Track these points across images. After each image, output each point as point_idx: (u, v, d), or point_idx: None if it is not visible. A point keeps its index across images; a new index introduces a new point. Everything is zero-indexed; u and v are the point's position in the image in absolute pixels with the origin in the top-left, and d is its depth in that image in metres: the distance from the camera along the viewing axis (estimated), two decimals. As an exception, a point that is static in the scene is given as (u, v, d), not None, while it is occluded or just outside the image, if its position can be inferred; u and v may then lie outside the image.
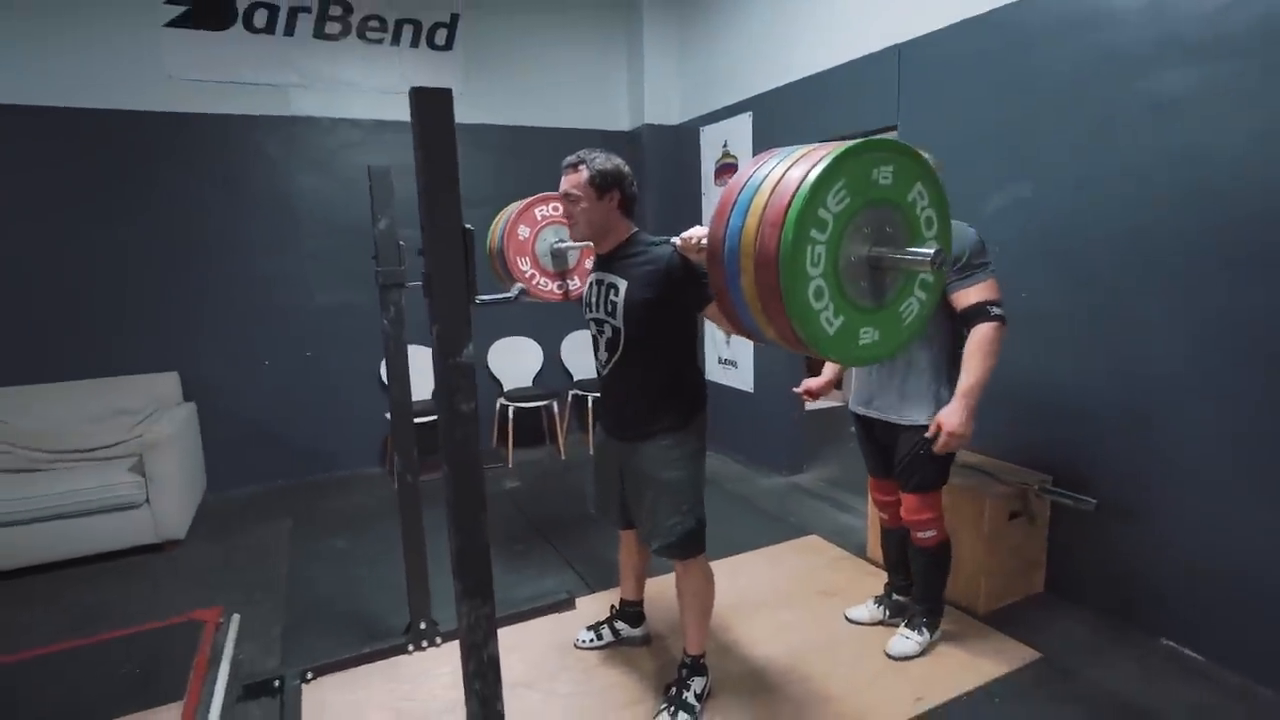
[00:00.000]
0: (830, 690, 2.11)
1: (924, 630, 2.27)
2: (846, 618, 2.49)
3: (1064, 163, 2.46)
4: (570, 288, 2.50)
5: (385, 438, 4.39)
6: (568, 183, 1.86)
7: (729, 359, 4.46)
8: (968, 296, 2.00)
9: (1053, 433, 2.57)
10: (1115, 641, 2.32)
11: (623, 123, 4.95)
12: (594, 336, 1.98)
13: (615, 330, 1.88)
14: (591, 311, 1.96)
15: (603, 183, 1.83)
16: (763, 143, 3.98)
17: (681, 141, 4.71)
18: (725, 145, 4.30)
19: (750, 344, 4.23)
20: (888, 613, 2.45)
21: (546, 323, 4.76)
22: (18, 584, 2.94)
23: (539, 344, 4.80)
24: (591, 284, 1.98)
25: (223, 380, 3.98)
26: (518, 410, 4.46)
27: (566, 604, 2.61)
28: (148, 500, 3.14)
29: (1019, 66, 2.57)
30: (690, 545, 1.93)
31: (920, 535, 2.20)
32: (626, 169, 1.88)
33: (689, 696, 1.99)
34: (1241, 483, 2.08)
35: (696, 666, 2.05)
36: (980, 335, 1.97)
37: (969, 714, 2.00)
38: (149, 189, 3.72)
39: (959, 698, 2.06)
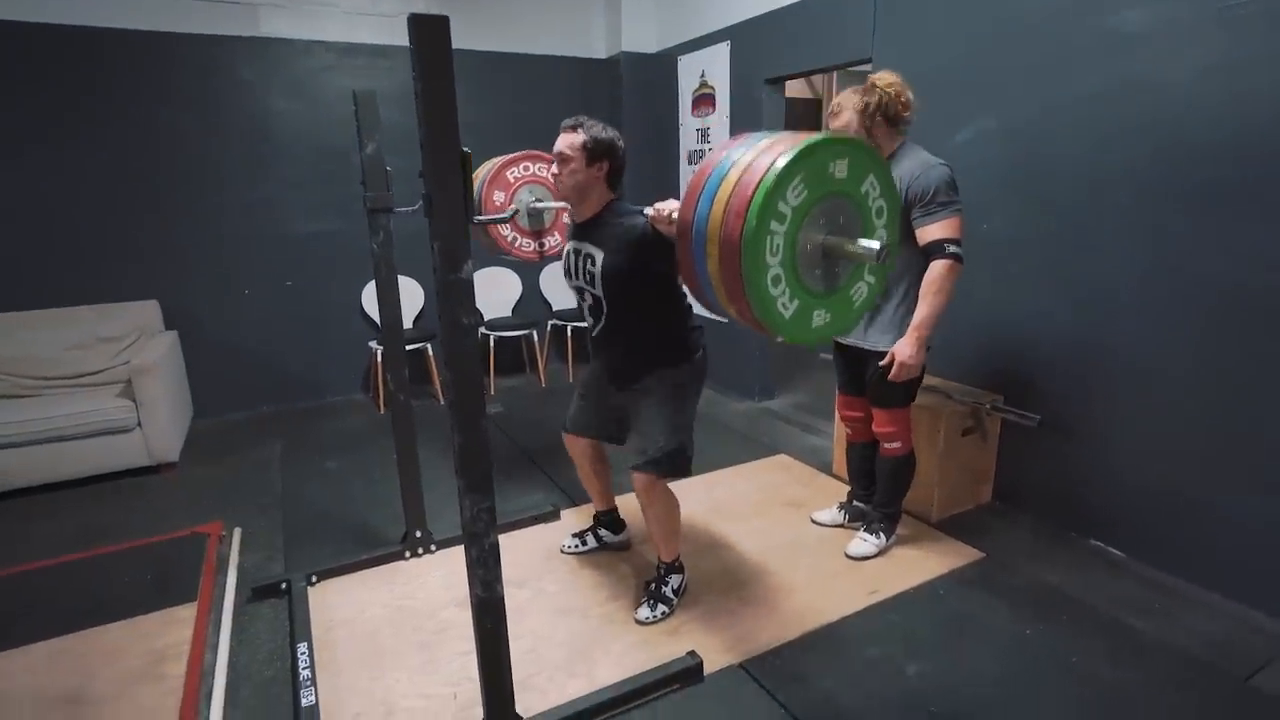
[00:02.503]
0: (794, 584, 2.33)
1: (880, 534, 2.49)
2: (812, 520, 2.72)
3: (1026, 97, 2.55)
4: (546, 246, 2.61)
5: (368, 365, 4.47)
6: (563, 142, 1.94)
7: (705, 290, 4.57)
8: (929, 233, 2.10)
9: (1006, 355, 2.76)
10: (1051, 543, 2.57)
11: (599, 50, 4.88)
12: (578, 303, 2.11)
13: (596, 298, 2.00)
14: (572, 280, 2.07)
15: (595, 149, 1.91)
16: (741, 72, 3.99)
17: (659, 70, 4.68)
18: (703, 75, 4.29)
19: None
20: (848, 517, 2.68)
21: (526, 254, 4.80)
22: (18, 503, 3.04)
23: (519, 275, 4.86)
24: (569, 252, 2.08)
25: (204, 309, 4.00)
26: (498, 339, 4.56)
27: (551, 515, 2.79)
28: (139, 424, 3.22)
29: (988, 1, 2.63)
30: (668, 465, 2.05)
31: (888, 446, 2.39)
32: (620, 142, 1.97)
33: (667, 591, 2.20)
34: (1167, 402, 2.29)
35: (673, 567, 2.25)
36: (934, 272, 2.09)
37: (917, 604, 2.24)
38: (122, 112, 3.64)
39: (908, 591, 2.30)
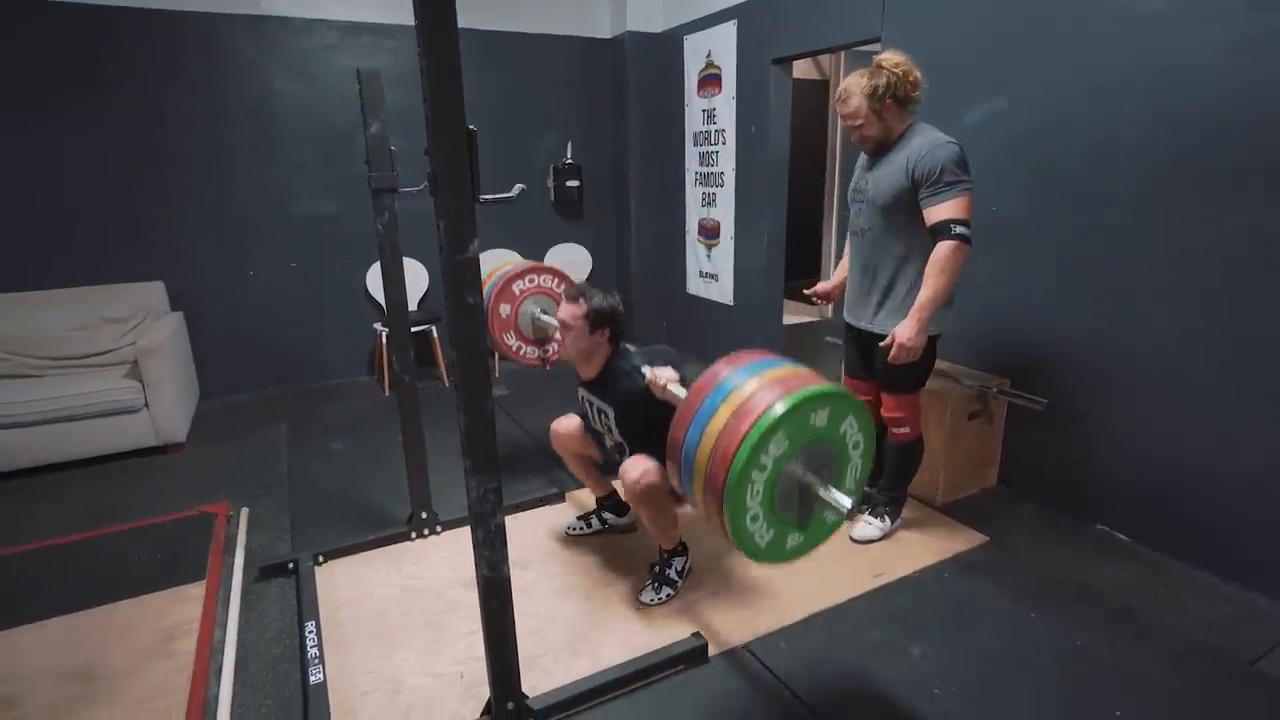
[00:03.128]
0: (798, 567, 2.32)
1: (886, 518, 2.49)
2: None
3: (1038, 77, 2.51)
4: (550, 352, 2.78)
5: (373, 347, 4.47)
6: (566, 313, 2.05)
7: (710, 273, 4.56)
8: (936, 213, 2.05)
9: (1013, 338, 2.74)
10: (1056, 527, 2.57)
11: (604, 29, 4.82)
12: (604, 437, 2.25)
13: (618, 443, 2.18)
14: (591, 423, 2.28)
15: (597, 320, 2.03)
16: (747, 52, 3.94)
17: (665, 50, 4.62)
18: (709, 55, 4.23)
19: (731, 257, 4.33)
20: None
21: (531, 237, 4.78)
22: (27, 482, 3.06)
23: (524, 257, 4.82)
24: (583, 399, 2.26)
25: (209, 290, 4.00)
26: (503, 322, 4.55)
27: (556, 497, 2.80)
28: (146, 404, 3.23)
29: (1005, -24, 2.58)
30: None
31: (896, 430, 2.38)
32: (621, 308, 2.10)
33: (671, 573, 2.20)
34: (1173, 386, 2.28)
35: (676, 549, 2.25)
36: (939, 253, 2.04)
37: (921, 586, 2.25)
38: (125, 91, 3.63)
39: (913, 574, 2.30)
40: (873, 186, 2.22)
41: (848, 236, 2.44)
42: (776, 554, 1.45)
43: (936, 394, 2.63)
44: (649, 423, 1.93)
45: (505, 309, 2.66)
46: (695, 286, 4.71)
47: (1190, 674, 1.84)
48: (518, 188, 1.46)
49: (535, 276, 2.69)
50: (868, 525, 2.49)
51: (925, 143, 2.09)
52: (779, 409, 1.31)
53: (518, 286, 2.67)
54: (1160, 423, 2.34)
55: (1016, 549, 2.43)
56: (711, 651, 1.92)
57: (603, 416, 2.15)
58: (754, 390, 1.37)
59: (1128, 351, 2.39)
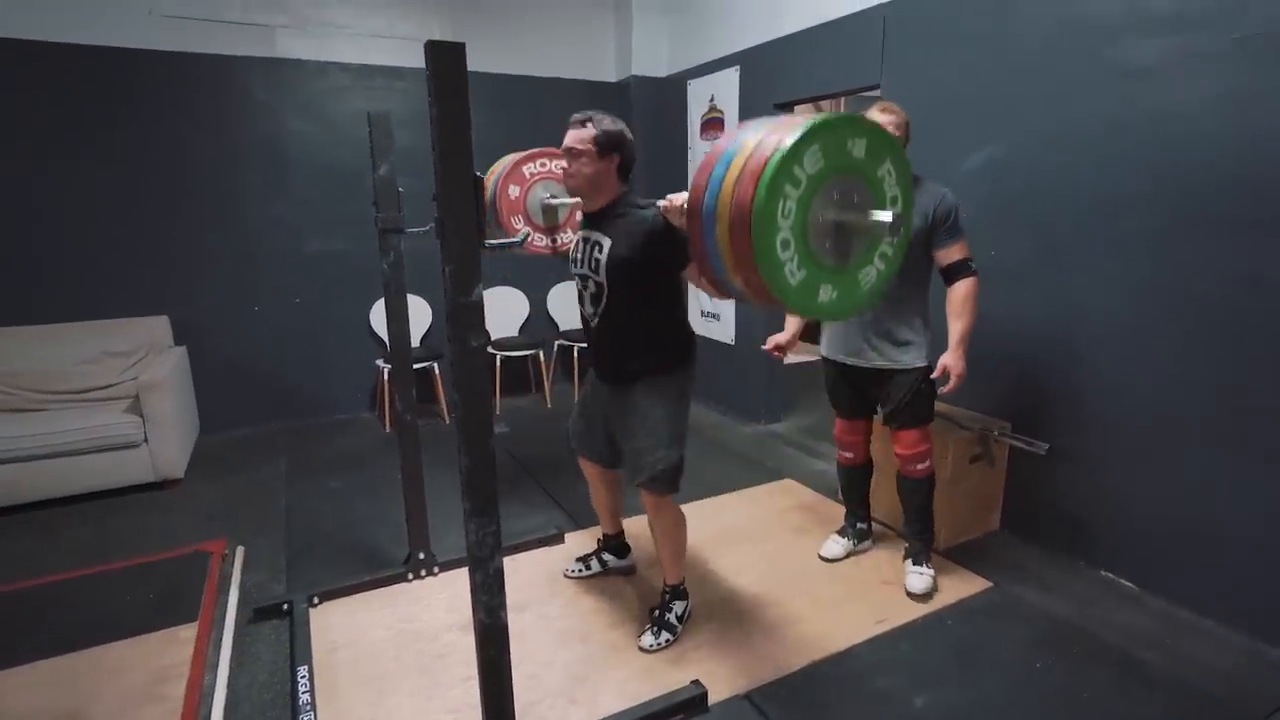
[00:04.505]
0: (800, 612, 2.30)
1: (929, 562, 2.45)
2: (821, 557, 2.66)
3: (1035, 127, 2.56)
4: (560, 241, 2.59)
5: (376, 383, 4.48)
6: (573, 138, 1.94)
7: (712, 312, 4.59)
8: (955, 252, 2.21)
9: (1014, 382, 2.74)
10: (1061, 573, 2.54)
11: (609, 73, 4.95)
12: (579, 290, 2.09)
13: (599, 285, 1.99)
14: (577, 267, 2.07)
15: (606, 142, 1.92)
16: (750, 97, 4.03)
17: (668, 94, 4.73)
18: (712, 99, 4.33)
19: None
20: (855, 541, 2.66)
21: (533, 274, 4.83)
22: (27, 517, 3.04)
23: (526, 295, 4.88)
24: (578, 240, 2.08)
25: (213, 325, 4.03)
26: (505, 359, 4.57)
27: (556, 538, 2.78)
28: (146, 440, 3.22)
29: (996, 31, 2.65)
30: (669, 480, 2.05)
31: (919, 467, 2.39)
32: (629, 135, 1.97)
33: (671, 618, 2.17)
34: (1177, 431, 2.27)
35: (678, 592, 2.22)
36: (967, 288, 2.20)
37: (923, 634, 2.21)
38: (138, 130, 3.70)
39: (915, 620, 2.27)
40: None
41: None
42: (806, 301, 1.35)
43: (938, 437, 2.62)
44: (640, 266, 1.90)
45: (514, 190, 2.47)
46: (698, 326, 4.72)
47: (1201, 728, 1.80)
48: (523, 232, 1.49)
49: (547, 160, 2.50)
50: (919, 576, 2.41)
51: (936, 187, 2.21)
52: (817, 119, 1.25)
53: (528, 169, 2.49)
54: (1164, 468, 2.32)
55: (1021, 595, 2.40)
56: (711, 700, 1.88)
57: (596, 250, 1.97)
58: (781, 123, 1.30)
59: (1129, 396, 2.39)
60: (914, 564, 2.46)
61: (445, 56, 1.24)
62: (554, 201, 2.46)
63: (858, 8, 3.24)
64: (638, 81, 4.77)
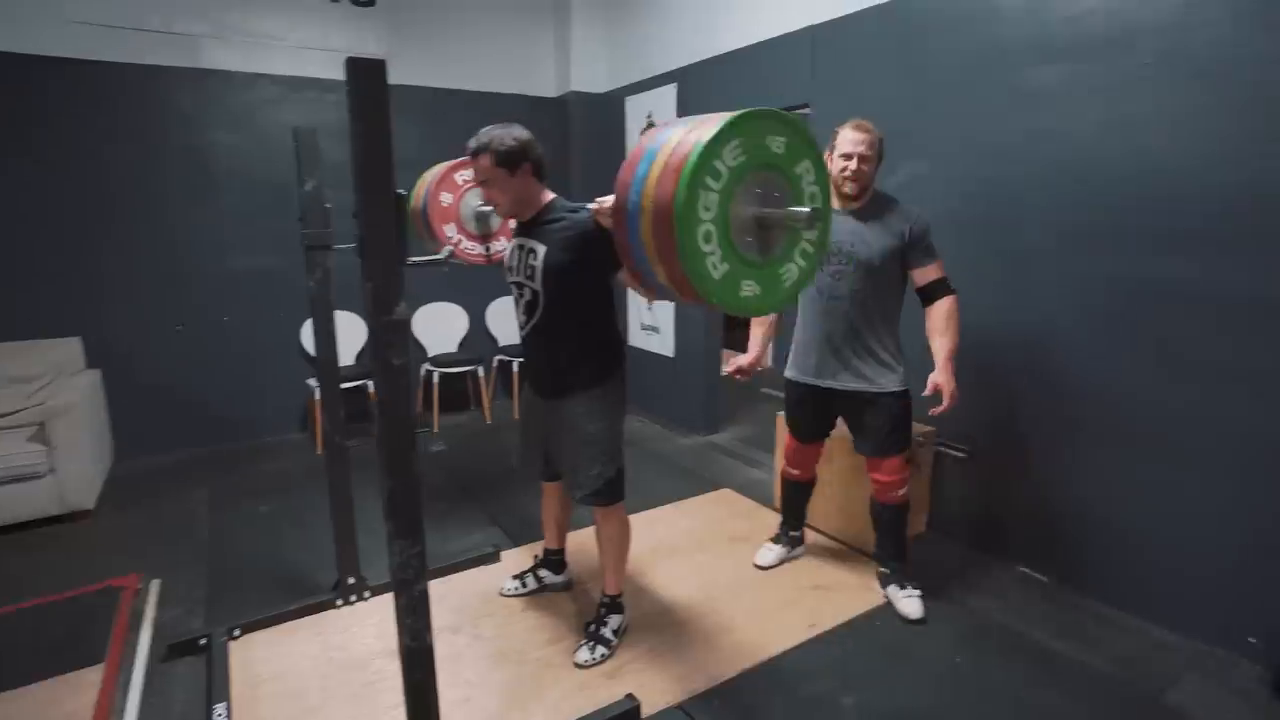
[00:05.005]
0: (735, 621, 2.33)
1: (914, 584, 2.40)
2: (756, 565, 2.68)
3: (952, 145, 2.70)
4: (494, 250, 2.58)
5: (307, 404, 4.34)
6: (478, 170, 1.93)
7: (651, 325, 4.62)
8: (934, 270, 2.21)
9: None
10: (982, 571, 2.64)
11: (549, 89, 4.96)
12: (515, 299, 2.08)
13: (534, 293, 1.98)
14: (513, 275, 2.06)
15: (511, 160, 1.90)
16: (687, 113, 4.09)
17: (608, 110, 4.77)
18: (650, 115, 4.39)
19: (671, 310, 4.40)
20: (789, 548, 2.72)
21: (472, 289, 4.77)
22: (-90, 557, 2.81)
23: (465, 310, 4.82)
24: (513, 248, 2.07)
25: (131, 346, 3.83)
26: (443, 375, 4.49)
27: (491, 557, 2.74)
28: (52, 470, 3.03)
29: (917, 54, 2.79)
30: (610, 493, 2.08)
31: (899, 494, 2.36)
32: (527, 135, 1.94)
33: (606, 632, 2.17)
34: (1081, 432, 2.41)
35: (614, 605, 2.22)
36: (950, 305, 2.20)
37: (855, 635, 2.27)
38: (48, 140, 3.51)
39: (846, 623, 2.33)
40: (863, 247, 2.21)
41: (802, 299, 2.37)
42: (729, 295, 1.37)
43: (865, 444, 2.71)
44: (574, 272, 1.91)
45: (446, 198, 2.45)
46: (637, 339, 4.77)
47: (1104, 710, 1.91)
48: (446, 250, 1.48)
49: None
50: (913, 600, 2.35)
51: (909, 207, 2.25)
52: (737, 114, 1.28)
53: (460, 177, 2.46)
54: (1070, 469, 2.46)
55: (945, 594, 2.49)
56: (646, 712, 1.88)
57: (530, 257, 1.96)
58: (701, 121, 1.32)
59: (1038, 401, 2.53)
60: (902, 589, 2.39)
61: (366, 73, 1.23)
62: (487, 209, 2.43)
63: (788, 29, 3.35)
64: (577, 97, 4.80)
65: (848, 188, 2.21)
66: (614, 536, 2.17)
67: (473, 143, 1.91)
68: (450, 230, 2.49)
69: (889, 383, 2.28)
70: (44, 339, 3.56)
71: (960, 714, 1.91)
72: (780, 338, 2.68)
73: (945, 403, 2.15)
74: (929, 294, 2.22)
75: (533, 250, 1.97)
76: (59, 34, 3.47)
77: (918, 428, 2.82)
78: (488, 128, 1.92)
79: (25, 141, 3.46)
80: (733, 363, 2.37)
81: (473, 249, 2.54)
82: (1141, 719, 1.89)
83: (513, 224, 2.14)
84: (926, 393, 2.17)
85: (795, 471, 2.64)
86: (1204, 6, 2.02)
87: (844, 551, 2.80)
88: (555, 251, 1.92)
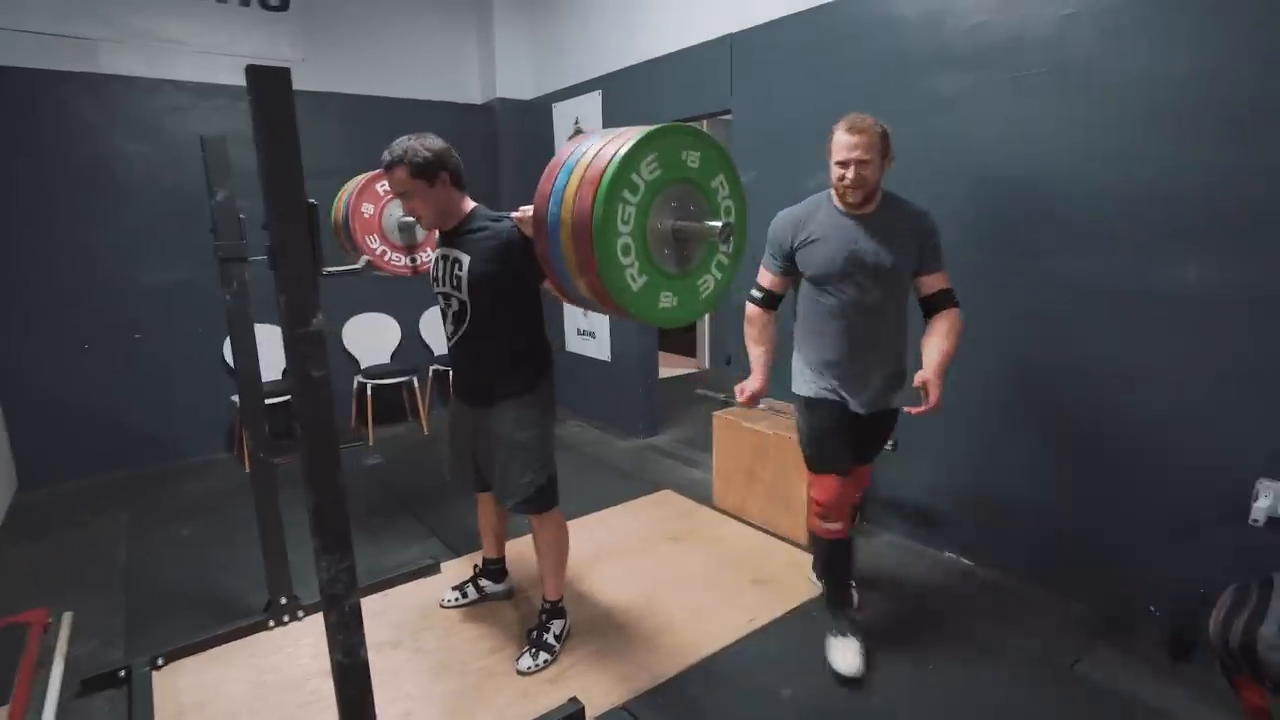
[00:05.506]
0: (675, 620, 2.37)
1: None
2: (845, 675, 2.04)
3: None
4: (419, 261, 2.54)
5: (233, 420, 4.17)
6: (394, 183, 1.90)
7: (587, 330, 4.64)
8: (943, 279, 2.03)
9: (862, 385, 2.97)
10: (912, 558, 2.77)
11: (474, 95, 4.92)
12: (442, 310, 2.07)
13: (461, 303, 1.97)
14: (439, 286, 2.04)
15: (427, 171, 1.88)
16: (613, 120, 4.14)
17: (534, 116, 4.77)
18: (577, 121, 4.42)
19: (607, 316, 4.42)
20: (860, 636, 2.15)
21: (404, 299, 4.68)
22: None
23: (396, 320, 4.73)
24: (437, 259, 2.06)
25: (35, 368, 3.61)
26: (376, 387, 4.39)
27: (431, 569, 2.70)
28: (-53, 502, 2.83)
29: (831, 61, 2.90)
30: (543, 500, 2.09)
31: (857, 496, 2.31)
32: (442, 144, 1.92)
33: (549, 638, 2.17)
34: (988, 427, 2.56)
35: (556, 610, 2.23)
36: (955, 317, 2.00)
37: (791, 626, 2.34)
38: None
39: (784, 615, 2.39)
40: (880, 255, 1.97)
41: (813, 316, 2.10)
42: (647, 306, 1.39)
43: (795, 441, 2.79)
44: (499, 281, 1.90)
45: (368, 209, 2.40)
46: (574, 344, 4.77)
47: (1024, 685, 2.02)
48: (364, 259, 1.46)
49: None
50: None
51: (916, 206, 2.05)
52: (652, 128, 1.31)
53: (382, 186, 2.40)
54: (982, 457, 2.60)
55: (877, 581, 2.59)
56: (591, 714, 1.89)
57: (455, 268, 1.94)
58: (616, 135, 1.35)
59: (957, 393, 2.65)
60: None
61: (268, 81, 1.20)
62: (410, 219, 2.39)
63: (707, 36, 3.43)
64: (503, 104, 4.78)
65: (850, 197, 1.96)
66: (551, 542, 2.18)
67: (386, 155, 1.88)
68: (374, 241, 2.45)
69: (900, 398, 2.13)
70: (-67, 363, 3.32)
71: (891, 698, 1.99)
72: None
73: (930, 403, 1.88)
74: (936, 303, 2.01)
75: (457, 260, 1.96)
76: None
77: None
78: (401, 139, 1.89)
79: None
80: (745, 392, 2.14)
81: (397, 260, 2.51)
82: (1059, 689, 2.01)
83: (437, 234, 2.13)
84: (915, 384, 1.91)
85: (836, 525, 2.10)
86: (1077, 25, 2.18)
87: (779, 544, 2.87)
88: (479, 262, 1.92)
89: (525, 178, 4.76)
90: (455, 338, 2.03)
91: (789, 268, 2.12)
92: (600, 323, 4.51)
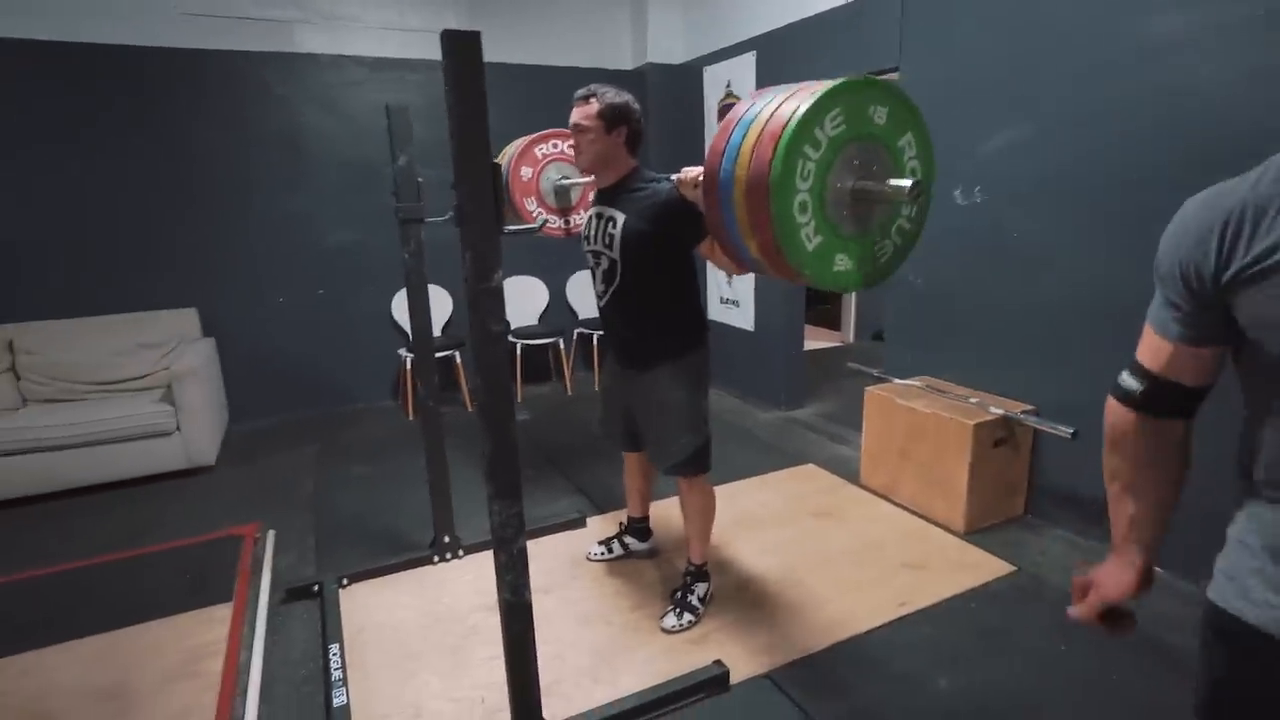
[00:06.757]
0: (821, 595, 2.31)
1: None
2: None
3: (1062, 104, 2.51)
4: (573, 223, 2.60)
5: (398, 372, 4.54)
6: (578, 114, 1.94)
7: (731, 299, 4.58)
8: None
9: (1040, 364, 2.71)
10: (1086, 557, 2.51)
11: (626, 61, 4.93)
12: (591, 268, 2.10)
13: (612, 262, 1.99)
14: (590, 244, 2.07)
15: (612, 116, 1.91)
16: (767, 82, 3.99)
17: (685, 81, 4.70)
18: (728, 85, 4.30)
19: (751, 284, 4.34)
20: None
21: (553, 262, 4.85)
22: (64, 504, 3.14)
23: (545, 284, 4.91)
24: (591, 217, 2.08)
25: (239, 316, 4.11)
26: (525, 347, 4.60)
27: (578, 522, 2.81)
28: (179, 428, 3.31)
29: (1018, 9, 2.60)
30: (697, 463, 2.09)
31: None
32: (636, 105, 1.96)
33: (693, 599, 2.19)
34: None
35: (700, 573, 2.24)
36: None
37: (947, 617, 2.20)
38: (157, 126, 3.77)
39: (938, 604, 2.26)
40: None
41: None
42: (821, 267, 1.33)
43: (959, 421, 2.61)
44: (654, 241, 1.90)
45: (527, 172, 2.47)
46: (716, 312, 4.73)
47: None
48: (541, 218, 1.50)
49: (559, 142, 2.49)
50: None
51: None
52: (839, 81, 1.24)
53: (540, 150, 2.48)
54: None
55: (1045, 579, 2.38)
56: (733, 680, 1.90)
57: (609, 225, 1.96)
58: (798, 89, 1.29)
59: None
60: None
61: (461, 45, 1.25)
62: (567, 182, 2.45)
63: (877, -12, 3.20)
64: (654, 69, 4.75)
65: None
66: (699, 507, 2.18)
67: (584, 89, 1.94)
68: (531, 204, 2.53)
69: None
70: (164, 310, 3.86)
71: (1066, 705, 1.83)
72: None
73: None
74: None
75: (611, 219, 1.97)
76: (168, 26, 3.70)
77: (1014, 405, 2.69)
78: (604, 84, 1.95)
79: (137, 129, 3.72)
80: (1098, 593, 1.01)
81: (553, 222, 2.58)
82: None
83: (591, 197, 2.15)
84: None
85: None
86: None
87: (934, 531, 2.72)
88: (634, 220, 1.92)
89: (675, 143, 4.74)
90: (605, 297, 2.06)
91: (1214, 324, 0.90)
92: (745, 291, 4.43)
